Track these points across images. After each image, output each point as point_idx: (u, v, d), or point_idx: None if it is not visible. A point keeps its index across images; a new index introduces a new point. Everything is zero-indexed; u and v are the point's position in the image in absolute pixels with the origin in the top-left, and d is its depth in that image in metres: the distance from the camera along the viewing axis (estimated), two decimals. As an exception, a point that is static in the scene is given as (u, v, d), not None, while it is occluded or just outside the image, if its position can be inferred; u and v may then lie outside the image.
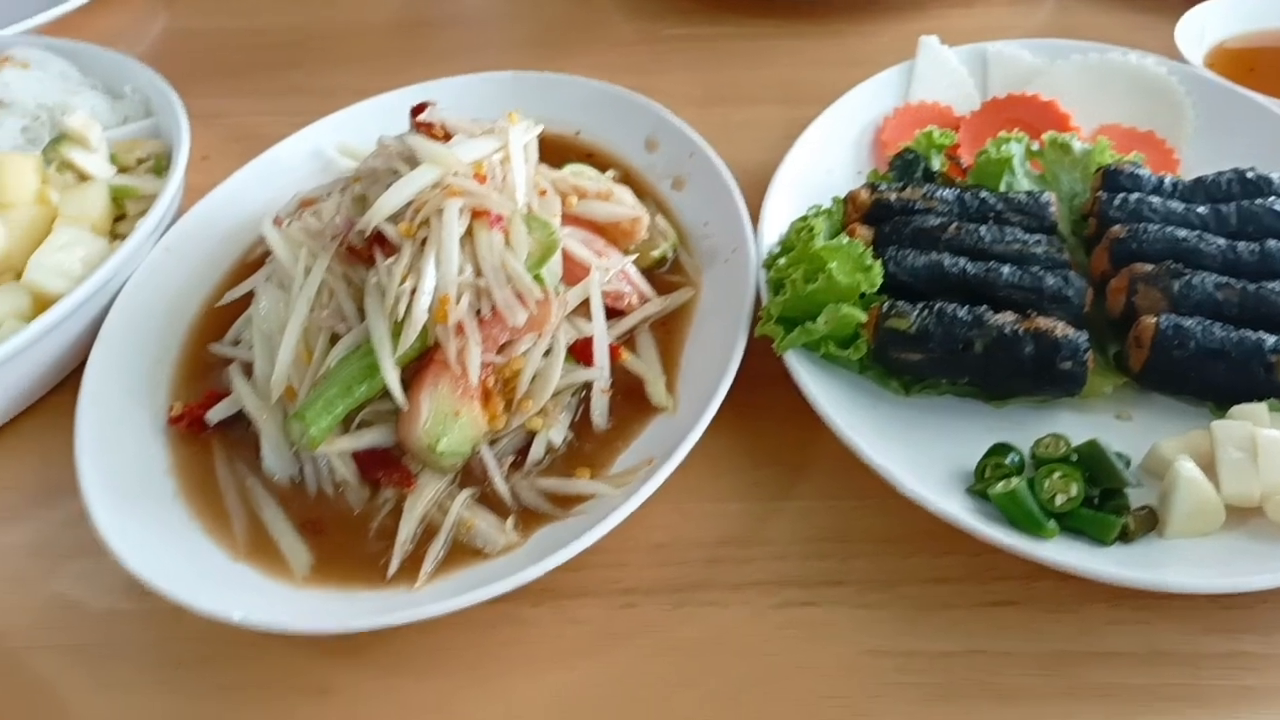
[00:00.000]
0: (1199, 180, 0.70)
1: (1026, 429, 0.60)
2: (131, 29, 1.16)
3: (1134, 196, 0.68)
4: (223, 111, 0.99)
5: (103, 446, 0.61)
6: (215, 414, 0.64)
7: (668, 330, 0.69)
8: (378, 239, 0.61)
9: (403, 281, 0.59)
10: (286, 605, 0.54)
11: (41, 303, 0.69)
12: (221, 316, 0.73)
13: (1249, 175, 0.69)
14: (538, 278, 0.61)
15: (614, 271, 0.67)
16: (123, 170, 0.82)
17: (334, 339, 0.62)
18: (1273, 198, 0.67)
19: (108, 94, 0.89)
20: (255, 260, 0.76)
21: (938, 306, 0.61)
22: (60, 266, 0.70)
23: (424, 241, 0.61)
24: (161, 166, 0.84)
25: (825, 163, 0.80)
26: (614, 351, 0.64)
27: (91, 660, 0.56)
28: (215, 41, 1.13)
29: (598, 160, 0.82)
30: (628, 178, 0.80)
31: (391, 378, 0.58)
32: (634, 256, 0.70)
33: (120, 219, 0.79)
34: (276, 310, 0.64)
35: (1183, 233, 0.65)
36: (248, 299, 0.70)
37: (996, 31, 0.99)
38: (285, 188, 0.81)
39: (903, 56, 0.90)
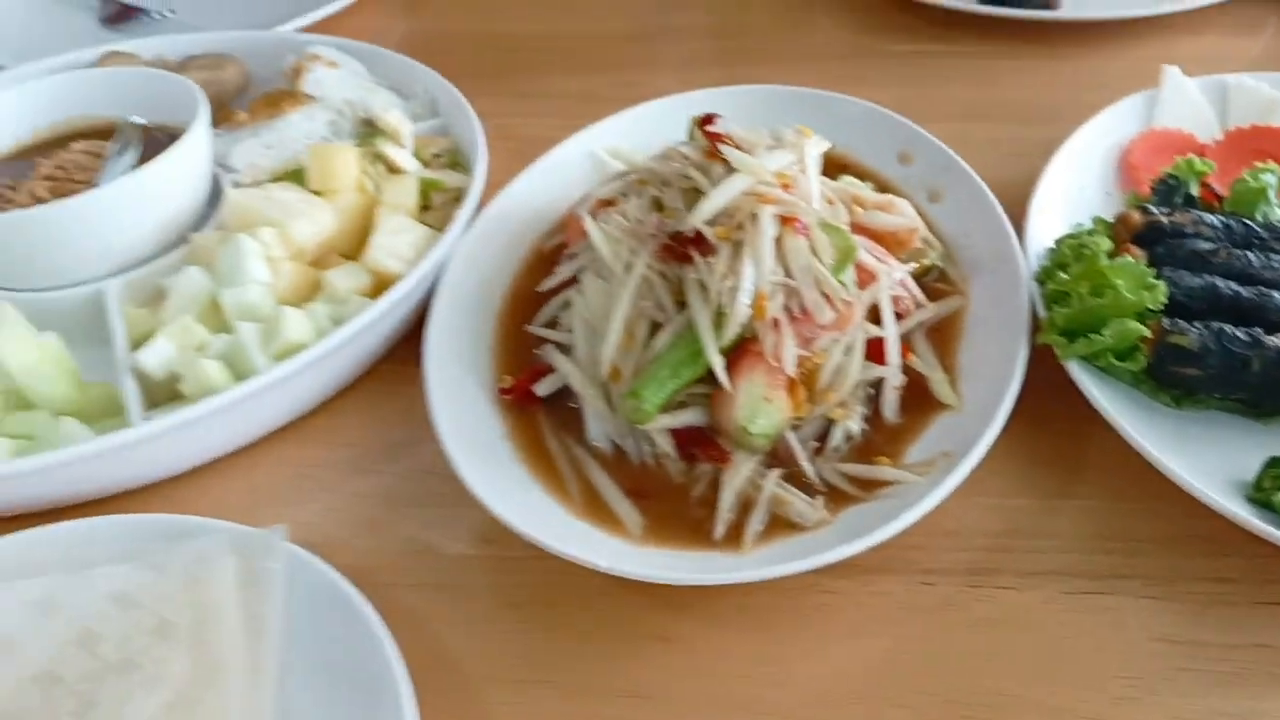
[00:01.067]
0: None
1: (1297, 445, 0.64)
2: (378, 31, 1.25)
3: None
4: (483, 113, 1.07)
5: (450, 411, 0.69)
6: (543, 388, 0.72)
7: (939, 335, 0.75)
8: (694, 239, 0.68)
9: (723, 279, 0.66)
10: (629, 558, 0.61)
11: (380, 281, 0.78)
12: (522, 299, 0.81)
13: None
14: (840, 281, 0.67)
15: (898, 277, 0.73)
16: (421, 164, 0.91)
17: (652, 327, 0.69)
18: None
19: (397, 93, 0.99)
20: (550, 249, 0.84)
21: (1217, 326, 0.66)
22: (395, 249, 0.79)
23: (738, 244, 0.68)
24: (454, 162, 0.93)
25: (1076, 180, 0.85)
26: (903, 352, 0.70)
27: (450, 597, 0.64)
28: (458, 45, 1.21)
29: (853, 173, 0.87)
30: (885, 190, 0.85)
31: (717, 364, 0.65)
32: (912, 265, 0.76)
33: (425, 209, 0.88)
34: (597, 298, 0.71)
35: None
36: (530, 286, 0.80)
37: (1216, 60, 1.02)
38: (565, 186, 0.89)
39: (1129, 83, 0.94)
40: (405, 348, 0.80)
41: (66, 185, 0.84)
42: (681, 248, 0.69)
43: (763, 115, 0.87)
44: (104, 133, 0.90)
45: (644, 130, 0.94)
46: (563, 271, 0.78)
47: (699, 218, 0.68)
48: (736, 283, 0.66)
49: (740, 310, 0.65)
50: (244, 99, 1.02)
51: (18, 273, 0.79)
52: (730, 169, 0.72)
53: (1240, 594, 0.60)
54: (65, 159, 0.86)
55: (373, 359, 0.79)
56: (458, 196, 0.88)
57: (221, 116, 0.94)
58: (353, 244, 0.84)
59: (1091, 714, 0.56)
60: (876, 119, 0.91)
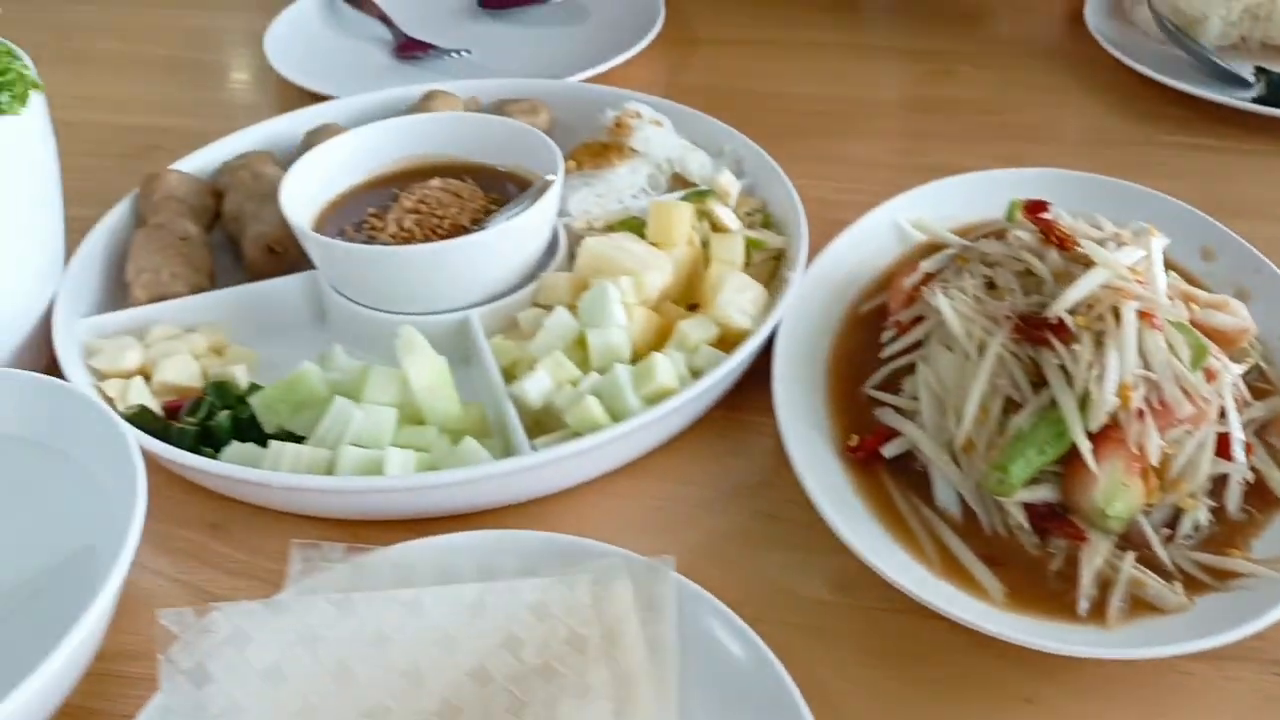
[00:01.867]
0: None
1: None
2: (645, 84, 1.30)
3: None
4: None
5: (808, 467, 0.74)
6: (890, 450, 0.77)
7: (1265, 435, 0.78)
8: (1055, 326, 0.73)
9: (1088, 368, 0.71)
10: (998, 620, 0.66)
11: (726, 333, 0.84)
12: (845, 358, 0.86)
13: None
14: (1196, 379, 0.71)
15: (1236, 375, 0.76)
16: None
17: (1005, 404, 0.74)
18: None
19: (706, 151, 1.06)
20: (867, 314, 0.90)
21: None
22: (741, 305, 0.85)
23: (1099, 334, 0.72)
24: (765, 221, 0.99)
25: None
26: (1246, 448, 0.74)
27: (811, 640, 0.69)
28: (727, 103, 1.25)
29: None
30: (1189, 284, 0.89)
31: (1085, 447, 0.69)
32: (1244, 366, 0.79)
33: (743, 266, 0.94)
34: (948, 371, 0.77)
35: None
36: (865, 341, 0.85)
37: None
38: (873, 250, 0.95)
39: None
40: (734, 395, 0.86)
41: (429, 220, 0.93)
42: (1038, 331, 0.74)
43: (1058, 199, 0.91)
44: (455, 171, 0.98)
45: (946, 202, 0.99)
46: (901, 341, 0.83)
47: (1061, 306, 0.73)
48: (1102, 372, 0.70)
49: (1106, 398, 0.69)
50: (552, 143, 1.11)
51: (399, 297, 0.88)
52: (1077, 259, 0.76)
53: None
54: (427, 195, 0.94)
55: (711, 405, 0.85)
56: (775, 256, 0.95)
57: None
58: (682, 292, 0.91)
59: None
60: (1176, 212, 0.95)
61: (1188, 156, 1.14)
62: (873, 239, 0.97)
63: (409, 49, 1.39)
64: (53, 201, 0.88)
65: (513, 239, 0.87)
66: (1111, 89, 1.27)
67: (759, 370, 0.84)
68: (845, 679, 0.67)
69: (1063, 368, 0.72)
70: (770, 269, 0.95)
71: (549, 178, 0.90)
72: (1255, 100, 1.16)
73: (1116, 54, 1.26)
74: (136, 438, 0.72)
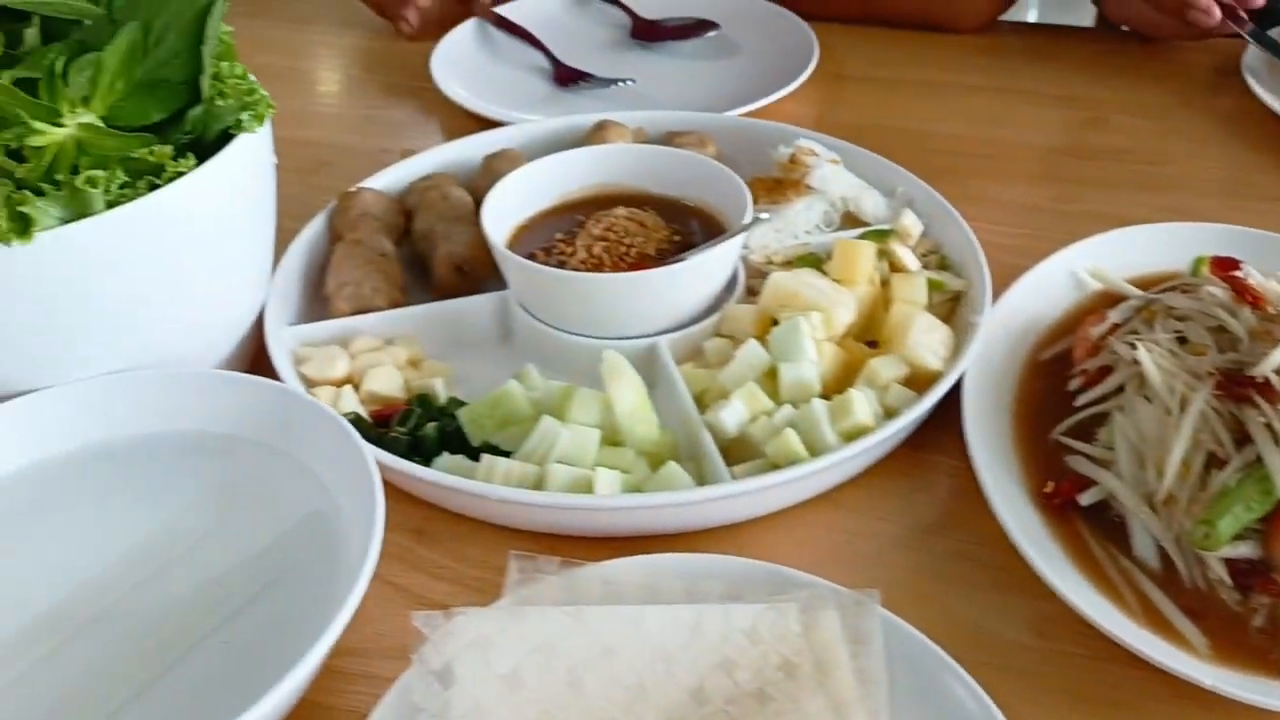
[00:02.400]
0: None
1: None
2: (795, 118, 1.33)
3: None
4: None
5: (1004, 506, 0.76)
6: (1087, 498, 0.78)
7: None
8: (1260, 385, 0.74)
9: (1296, 428, 0.71)
10: (1205, 673, 0.67)
11: (916, 373, 0.86)
12: (1028, 403, 0.88)
13: None
14: (1406, 444, 0.72)
15: None
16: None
17: (1207, 459, 0.75)
18: None
19: (881, 191, 1.08)
20: (1048, 361, 0.91)
21: None
22: (931, 346, 0.87)
23: (1306, 395, 0.73)
24: (941, 263, 1.01)
25: None
26: None
27: (1013, 682, 0.70)
28: (879, 140, 1.27)
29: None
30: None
31: (1295, 508, 0.70)
32: None
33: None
34: (1147, 424, 0.78)
35: None
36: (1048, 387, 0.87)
37: None
38: (1047, 299, 0.97)
39: None
40: (919, 434, 0.88)
41: (617, 248, 0.96)
42: (1242, 389, 0.74)
43: (1246, 258, 0.91)
44: (637, 201, 1.02)
45: (1120, 253, 1.00)
46: (1098, 389, 0.84)
47: (1269, 367, 0.74)
48: (1308, 435, 0.71)
49: (1321, 461, 0.70)
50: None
51: (590, 320, 0.91)
52: (1265, 319, 0.78)
53: None
54: (614, 223, 0.98)
55: (898, 443, 0.87)
56: (953, 298, 0.96)
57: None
58: (861, 330, 0.93)
59: None
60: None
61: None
62: (1048, 285, 0.98)
63: (568, 78, 1.43)
64: (270, 214, 0.92)
65: (707, 272, 0.91)
66: (1272, 143, 1.27)
67: (941, 410, 0.86)
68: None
69: (1269, 426, 0.73)
70: (947, 311, 0.96)
71: (763, 215, 0.93)
72: None
73: (1276, 106, 1.26)
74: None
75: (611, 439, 0.83)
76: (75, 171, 0.73)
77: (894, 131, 1.32)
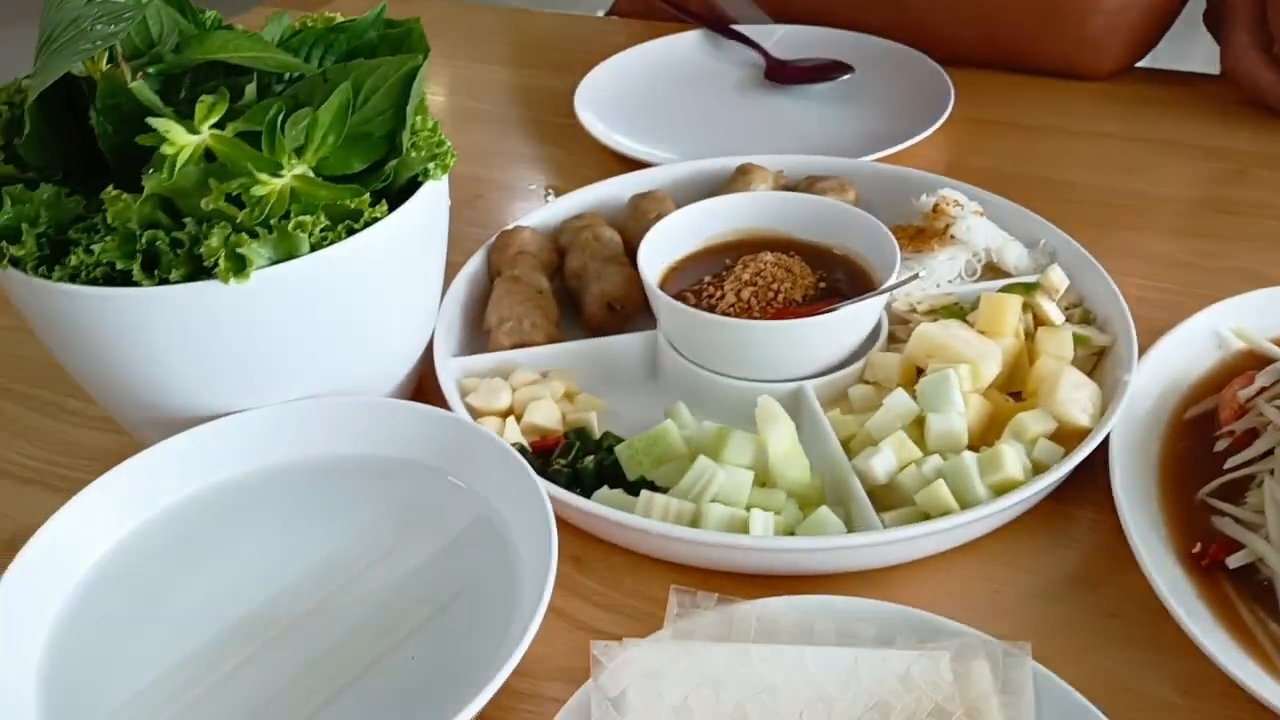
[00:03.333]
0: None
1: None
2: (937, 163, 1.35)
3: None
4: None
5: (1153, 564, 0.77)
6: (1234, 561, 0.79)
7: None
8: None
9: None
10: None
11: (1062, 428, 0.88)
12: (1172, 461, 0.89)
13: None
14: None
15: None
16: (1060, 316, 1.01)
17: (1359, 529, 0.75)
18: None
19: (1023, 242, 1.10)
20: (1192, 420, 0.92)
21: None
22: (1080, 402, 0.89)
23: None
24: (1085, 317, 1.02)
25: None
26: None
27: (1159, 736, 0.72)
28: (1016, 189, 1.27)
29: None
30: None
31: None
32: None
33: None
34: (1297, 490, 0.78)
35: None
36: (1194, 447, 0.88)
37: None
38: (1190, 356, 0.97)
39: None
40: (1063, 489, 0.90)
41: (765, 293, 1.00)
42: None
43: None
44: (783, 246, 1.06)
45: (1265, 312, 1.00)
46: (1248, 452, 0.85)
47: None
48: None
49: None
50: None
51: (738, 362, 0.95)
52: None
53: None
54: (762, 268, 1.02)
55: (1044, 496, 0.89)
56: (1097, 353, 0.98)
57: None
58: (1005, 381, 0.95)
59: None
60: None
61: None
62: (1192, 344, 0.99)
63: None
64: (441, 253, 0.99)
65: (854, 321, 0.94)
66: None
67: (1085, 465, 0.87)
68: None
69: None
70: (1090, 365, 0.98)
71: (920, 271, 0.96)
72: None
73: None
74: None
75: (762, 480, 0.87)
76: (285, 216, 0.79)
77: (1030, 180, 1.34)
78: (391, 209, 0.85)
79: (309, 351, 0.87)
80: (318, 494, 0.87)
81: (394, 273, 0.89)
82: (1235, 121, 1.43)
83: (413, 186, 0.88)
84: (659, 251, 1.03)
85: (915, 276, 0.96)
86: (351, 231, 0.82)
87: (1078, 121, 1.46)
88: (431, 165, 0.88)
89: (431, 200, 0.90)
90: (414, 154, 0.86)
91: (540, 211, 1.19)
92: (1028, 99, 1.51)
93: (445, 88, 1.66)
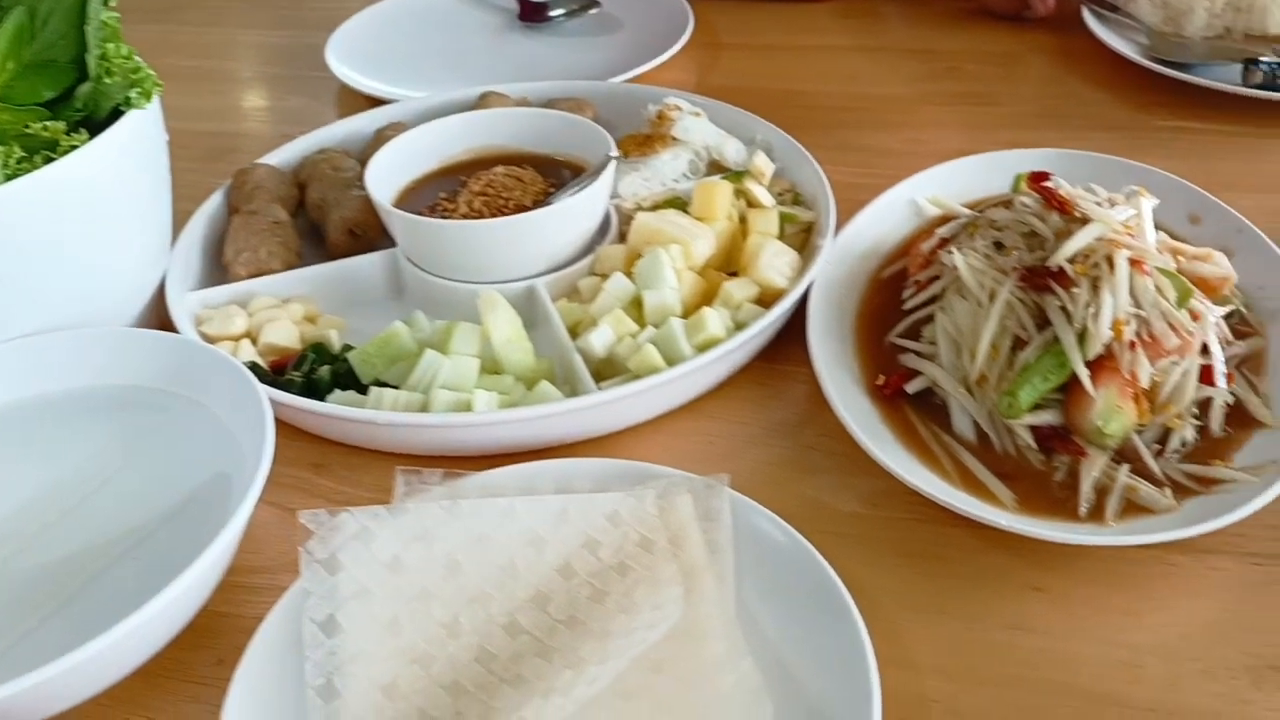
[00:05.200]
0: None
1: None
2: (681, 82, 1.42)
3: None
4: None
5: (841, 401, 0.85)
6: (913, 386, 0.88)
7: (1245, 369, 0.88)
8: (1056, 274, 0.84)
9: (1085, 308, 0.81)
10: (1013, 520, 0.76)
11: (765, 293, 0.95)
12: (869, 315, 0.97)
13: None
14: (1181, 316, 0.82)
15: (1219, 316, 0.87)
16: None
17: (1013, 342, 0.85)
18: None
19: (739, 139, 1.17)
20: (888, 278, 1.01)
21: None
22: (778, 269, 0.96)
23: (1095, 279, 0.83)
24: (795, 199, 1.10)
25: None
26: (1227, 377, 0.84)
27: (851, 545, 0.79)
28: (753, 100, 1.35)
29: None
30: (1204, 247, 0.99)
31: (1083, 374, 0.80)
32: (1226, 309, 0.90)
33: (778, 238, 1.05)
34: (963, 318, 0.87)
35: None
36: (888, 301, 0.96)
37: None
38: (890, 224, 1.06)
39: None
40: (772, 349, 0.97)
41: (495, 201, 1.04)
42: (1041, 280, 0.84)
43: (1063, 176, 1.02)
44: (517, 160, 1.10)
45: (954, 182, 1.10)
46: (920, 295, 0.94)
47: (1061, 257, 0.84)
48: (1098, 310, 0.81)
49: (1102, 332, 0.80)
50: (597, 137, 1.22)
51: (472, 267, 0.99)
52: (1074, 218, 0.87)
53: None
54: (493, 179, 1.06)
55: (752, 356, 0.96)
56: (805, 229, 1.06)
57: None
58: (723, 261, 1.02)
59: None
60: (1165, 184, 1.05)
61: (1179, 139, 1.25)
62: (891, 214, 1.08)
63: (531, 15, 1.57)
64: (165, 188, 0.99)
65: (573, 215, 0.99)
66: (1109, 80, 1.38)
67: (793, 328, 0.95)
68: (878, 575, 0.78)
69: (1063, 309, 0.83)
70: (801, 241, 1.05)
71: (612, 154, 1.01)
72: (1247, 86, 1.27)
73: (1113, 45, 1.37)
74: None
75: (492, 368, 0.91)
76: (-28, 147, 0.79)
77: (765, 92, 1.41)
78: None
79: (19, 288, 0.86)
80: (47, 427, 0.87)
81: (105, 205, 0.89)
82: (950, 25, 1.54)
83: (118, 117, 0.89)
84: (390, 173, 1.06)
85: (612, 160, 1.01)
86: (49, 161, 0.82)
87: (809, 38, 1.55)
88: (133, 94, 0.89)
89: (138, 128, 0.90)
90: (109, 81, 0.86)
91: (282, 151, 1.20)
92: (765, 22, 1.60)
93: (200, 53, 1.64)
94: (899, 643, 0.73)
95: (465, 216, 1.02)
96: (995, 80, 1.42)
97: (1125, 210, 0.88)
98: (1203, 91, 1.29)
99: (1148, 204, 0.89)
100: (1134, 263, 0.83)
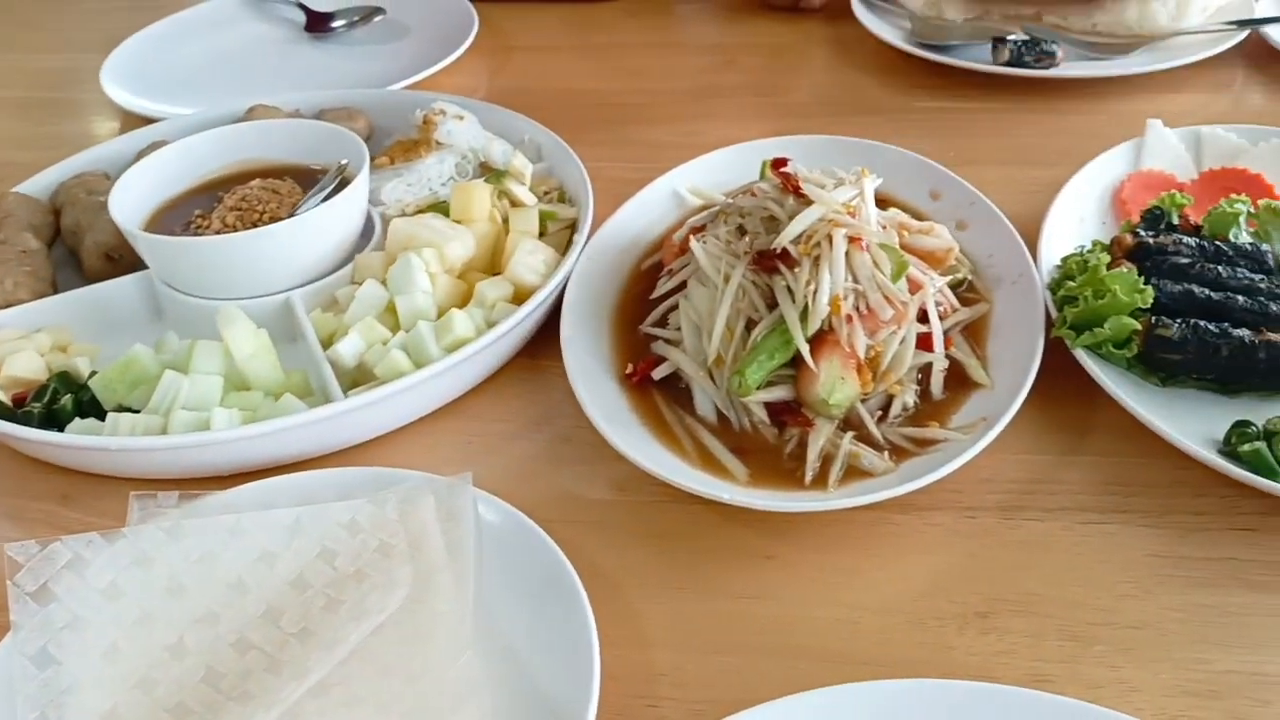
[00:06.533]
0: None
1: (1256, 413, 0.82)
2: (468, 89, 1.43)
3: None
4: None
5: (588, 391, 0.87)
6: (659, 372, 0.90)
7: (972, 333, 0.93)
8: (781, 255, 0.87)
9: (806, 285, 0.85)
10: (741, 495, 0.79)
11: (520, 291, 0.96)
12: (628, 307, 0.99)
13: None
14: (897, 288, 0.86)
15: (938, 287, 0.91)
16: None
17: (747, 323, 0.88)
18: None
19: (508, 141, 1.18)
20: (647, 269, 1.03)
21: (1193, 322, 0.85)
22: (531, 266, 0.97)
23: (817, 258, 0.86)
24: (561, 197, 1.12)
25: (1077, 212, 1.04)
26: (945, 343, 0.89)
27: (596, 530, 0.81)
28: (539, 101, 1.37)
29: (893, 206, 1.06)
30: (919, 220, 1.04)
31: (805, 349, 0.83)
32: (948, 279, 0.94)
33: (540, 235, 1.06)
34: (702, 302, 0.90)
35: (1378, 276, 0.88)
36: (646, 291, 0.99)
37: (1191, 113, 1.22)
38: (653, 218, 1.09)
39: (1118, 131, 1.14)
40: (534, 346, 0.99)
41: (250, 215, 1.03)
42: (769, 261, 0.88)
43: (817, 160, 1.06)
44: (276, 173, 1.09)
45: (716, 171, 1.13)
46: (668, 283, 0.97)
47: (785, 239, 0.87)
48: (817, 287, 0.84)
49: (821, 308, 0.83)
50: (372, 145, 1.22)
51: (223, 284, 0.98)
52: (806, 201, 0.91)
53: (1213, 522, 0.78)
54: (248, 194, 1.04)
55: (512, 354, 0.97)
56: (569, 225, 1.07)
57: (363, 160, 1.13)
58: (487, 263, 1.03)
59: (1104, 606, 0.73)
60: (912, 163, 1.11)
61: (935, 118, 1.31)
62: (657, 206, 1.10)
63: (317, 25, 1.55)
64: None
65: (318, 224, 0.98)
66: (877, 66, 1.44)
67: (555, 323, 0.96)
68: (622, 558, 0.80)
69: (788, 288, 0.86)
70: (566, 238, 1.07)
71: (342, 161, 1.01)
72: (996, 63, 1.33)
73: (879, 33, 1.43)
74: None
75: (241, 385, 0.90)
76: None
77: (551, 92, 1.44)
78: None
79: None
80: None
81: None
82: (733, 20, 1.59)
83: None
84: (139, 194, 1.03)
85: (343, 167, 1.01)
86: None
87: (598, 36, 1.57)
88: None
89: None
90: None
91: (40, 178, 1.16)
92: (554, 23, 1.61)
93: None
94: (634, 622, 0.75)
95: (219, 232, 1.01)
96: (773, 71, 1.47)
97: (848, 190, 0.92)
98: (959, 71, 1.35)
99: (870, 183, 0.93)
100: (853, 240, 0.87)
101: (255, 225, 1.01)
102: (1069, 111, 1.29)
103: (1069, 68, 1.32)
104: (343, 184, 1.01)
